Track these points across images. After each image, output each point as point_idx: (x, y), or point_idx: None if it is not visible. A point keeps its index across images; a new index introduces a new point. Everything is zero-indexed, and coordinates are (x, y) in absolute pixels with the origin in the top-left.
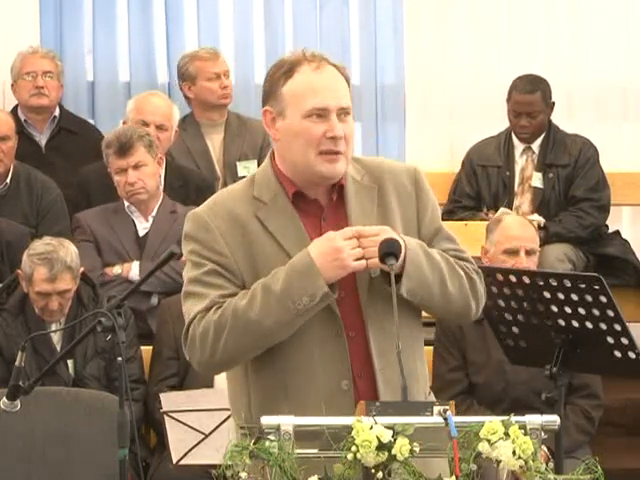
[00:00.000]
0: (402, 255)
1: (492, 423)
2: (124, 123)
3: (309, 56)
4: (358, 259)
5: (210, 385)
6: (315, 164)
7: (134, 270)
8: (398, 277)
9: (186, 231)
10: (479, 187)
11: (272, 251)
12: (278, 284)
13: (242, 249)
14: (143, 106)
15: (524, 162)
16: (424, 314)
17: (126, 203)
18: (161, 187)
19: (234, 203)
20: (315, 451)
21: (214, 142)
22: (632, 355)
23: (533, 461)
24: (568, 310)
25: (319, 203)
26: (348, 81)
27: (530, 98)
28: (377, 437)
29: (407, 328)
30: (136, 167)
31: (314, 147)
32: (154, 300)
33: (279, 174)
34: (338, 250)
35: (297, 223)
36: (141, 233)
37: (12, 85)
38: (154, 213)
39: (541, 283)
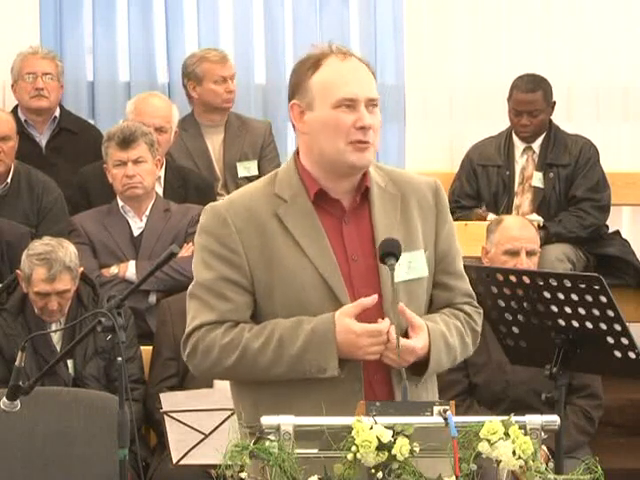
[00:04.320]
0: (428, 345)
1: (492, 423)
2: None
3: (335, 49)
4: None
5: (210, 385)
6: (344, 153)
7: (131, 270)
8: (420, 368)
9: (202, 224)
10: (479, 187)
11: (289, 250)
12: (294, 345)
13: (257, 248)
14: (143, 108)
15: (524, 162)
16: None
17: (120, 203)
18: (160, 189)
19: (254, 200)
20: (315, 451)
21: (214, 142)
22: (632, 355)
23: (533, 461)
24: (568, 310)
25: (341, 204)
26: (374, 76)
27: (531, 97)
28: (377, 437)
29: None
30: (136, 162)
31: (343, 137)
32: (152, 299)
33: (302, 172)
34: (358, 346)
35: (316, 223)
36: (136, 233)
37: (12, 85)
38: (147, 212)
39: (541, 283)
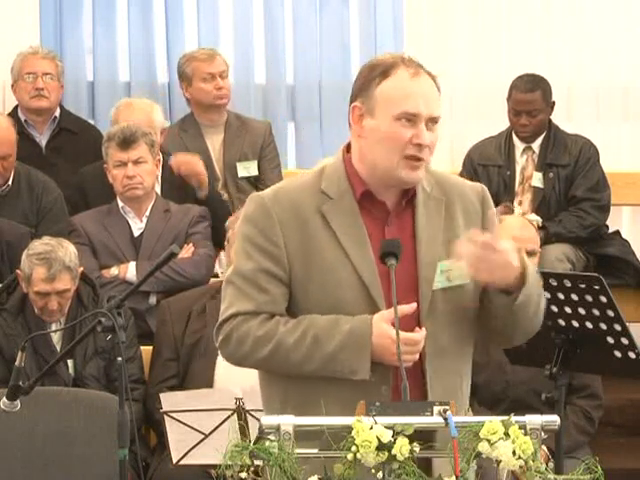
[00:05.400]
0: (524, 269)
1: (492, 423)
2: None
3: (407, 60)
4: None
5: (210, 385)
6: (397, 168)
7: (131, 271)
8: (515, 289)
9: (246, 212)
10: None
11: (329, 246)
12: (329, 344)
13: (297, 241)
14: (121, 117)
15: (525, 162)
16: None
17: (120, 204)
18: (158, 188)
19: (300, 194)
20: (315, 451)
21: (214, 143)
22: (632, 355)
23: (533, 461)
24: (568, 310)
25: (386, 207)
26: (439, 90)
27: (530, 97)
28: (377, 437)
29: (457, 344)
30: (136, 162)
31: (399, 151)
32: (152, 300)
33: (350, 171)
34: (391, 352)
35: (360, 223)
36: (136, 233)
37: (12, 85)
38: (148, 213)
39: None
